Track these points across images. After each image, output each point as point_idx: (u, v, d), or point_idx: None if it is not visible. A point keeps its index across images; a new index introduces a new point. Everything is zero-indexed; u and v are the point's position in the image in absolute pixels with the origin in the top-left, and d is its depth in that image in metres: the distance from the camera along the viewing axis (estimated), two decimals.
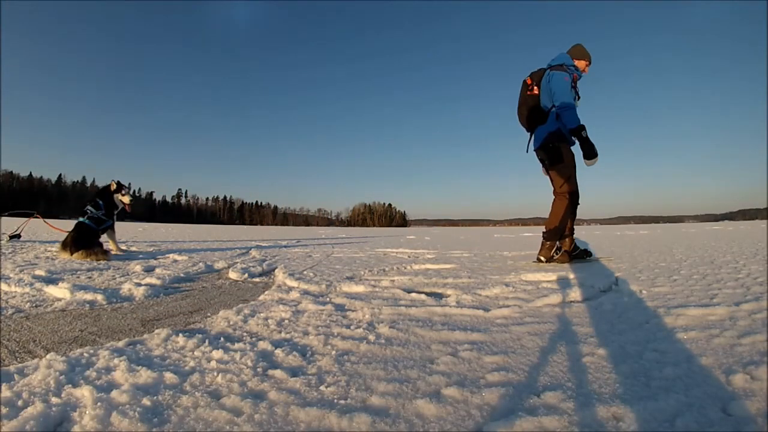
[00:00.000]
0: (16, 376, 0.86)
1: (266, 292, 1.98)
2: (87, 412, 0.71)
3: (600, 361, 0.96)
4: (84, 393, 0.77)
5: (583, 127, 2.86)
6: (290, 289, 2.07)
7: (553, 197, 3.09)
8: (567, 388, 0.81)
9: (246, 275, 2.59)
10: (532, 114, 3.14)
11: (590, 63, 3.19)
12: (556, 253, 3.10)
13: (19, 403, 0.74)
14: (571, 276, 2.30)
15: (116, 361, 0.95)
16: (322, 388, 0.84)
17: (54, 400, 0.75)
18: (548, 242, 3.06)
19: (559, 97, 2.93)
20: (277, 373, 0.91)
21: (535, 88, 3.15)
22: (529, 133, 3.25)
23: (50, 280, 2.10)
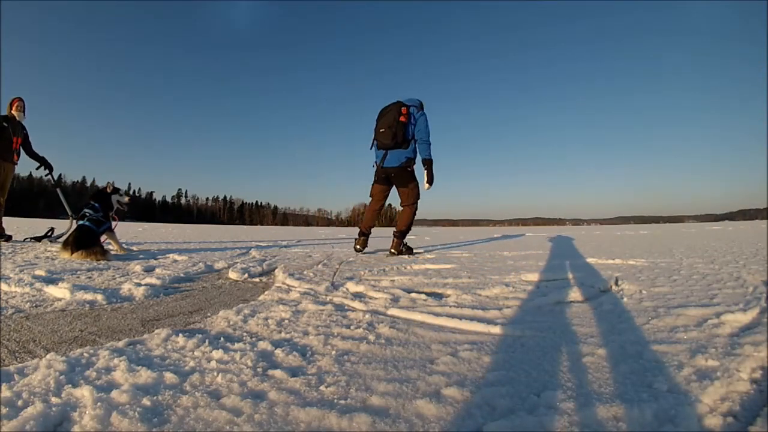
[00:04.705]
0: (16, 376, 0.86)
1: (266, 292, 1.98)
2: (87, 412, 0.71)
3: (600, 361, 0.96)
4: (84, 393, 0.77)
5: (432, 160, 3.83)
6: (290, 289, 2.07)
7: (403, 207, 4.01)
8: (567, 388, 0.81)
9: (246, 275, 2.59)
10: (398, 138, 3.75)
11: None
12: (403, 249, 4.02)
13: (19, 403, 0.74)
14: (571, 276, 2.30)
15: (116, 361, 0.95)
16: (322, 388, 0.83)
17: (54, 400, 0.75)
18: (398, 240, 3.99)
19: (425, 134, 3.80)
20: (277, 373, 0.91)
21: (405, 116, 3.76)
22: (382, 150, 3.89)
23: (50, 280, 2.09)
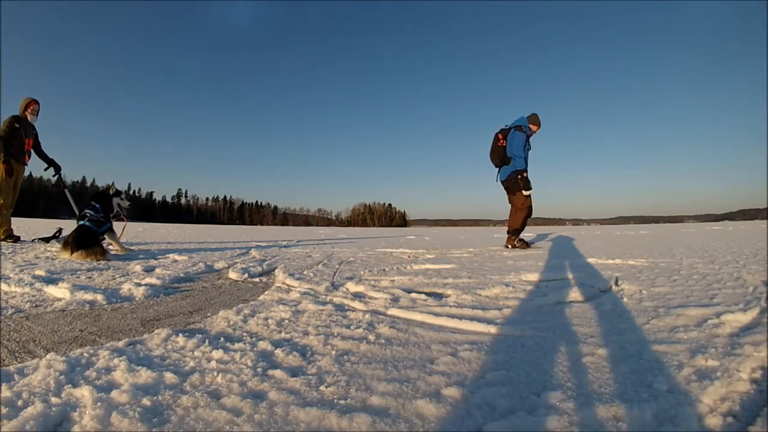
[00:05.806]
0: (16, 376, 0.86)
1: (266, 292, 1.98)
2: (87, 412, 0.71)
3: (600, 361, 0.96)
4: (84, 393, 0.77)
5: (524, 170, 4.83)
6: (290, 289, 2.07)
7: (517, 211, 4.94)
8: (567, 388, 0.81)
9: (246, 275, 2.59)
10: (500, 158, 4.99)
11: (540, 127, 4.96)
12: (516, 243, 4.91)
13: (19, 403, 0.74)
14: (571, 276, 2.30)
15: (116, 361, 0.95)
16: (322, 388, 0.83)
17: (54, 400, 0.75)
18: (513, 237, 4.95)
19: (514, 149, 4.80)
20: (277, 373, 0.91)
21: (503, 140, 4.95)
22: (497, 169, 5.10)
23: (50, 280, 2.09)
